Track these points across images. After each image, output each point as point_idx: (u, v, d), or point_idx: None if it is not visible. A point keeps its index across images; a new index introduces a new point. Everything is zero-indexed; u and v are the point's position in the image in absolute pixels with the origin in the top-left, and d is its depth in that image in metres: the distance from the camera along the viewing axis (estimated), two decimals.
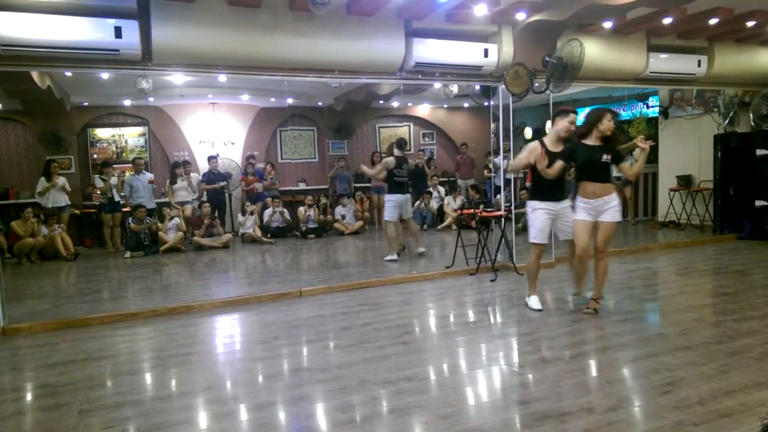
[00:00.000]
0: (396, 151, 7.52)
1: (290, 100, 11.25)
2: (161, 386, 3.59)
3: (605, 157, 4.52)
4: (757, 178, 8.30)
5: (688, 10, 6.40)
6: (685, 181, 9.67)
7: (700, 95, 9.50)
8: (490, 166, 10.41)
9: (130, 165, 9.95)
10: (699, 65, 7.69)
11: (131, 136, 11.44)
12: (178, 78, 7.88)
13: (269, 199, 10.82)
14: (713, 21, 6.57)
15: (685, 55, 7.65)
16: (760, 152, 8.25)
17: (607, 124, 4.54)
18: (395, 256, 7.53)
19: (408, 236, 7.95)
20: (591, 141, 4.59)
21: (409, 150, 13.56)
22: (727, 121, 8.96)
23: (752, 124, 8.51)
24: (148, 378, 3.76)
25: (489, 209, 7.23)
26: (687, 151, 9.73)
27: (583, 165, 4.60)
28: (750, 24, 6.82)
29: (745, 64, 8.10)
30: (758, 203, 8.30)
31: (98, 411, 3.16)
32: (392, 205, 7.47)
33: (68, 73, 7.32)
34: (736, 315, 4.55)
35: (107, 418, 3.06)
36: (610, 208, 4.55)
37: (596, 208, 4.57)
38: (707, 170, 9.14)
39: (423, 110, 13.60)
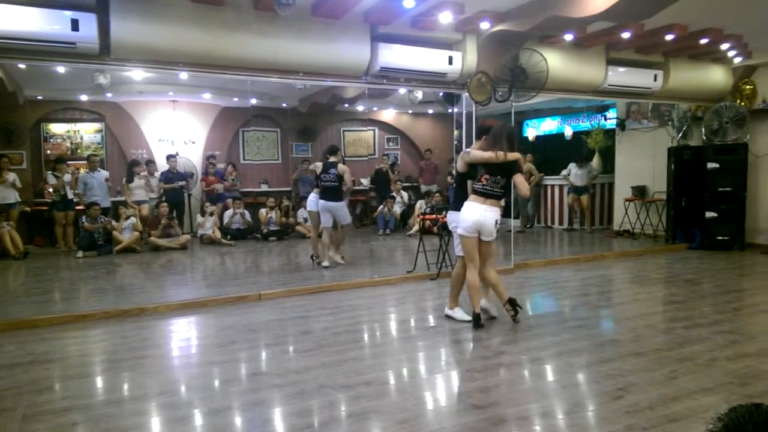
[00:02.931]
0: (331, 158, 7.27)
1: (254, 101, 11.09)
2: (112, 390, 3.47)
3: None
4: (708, 191, 8.62)
5: (646, 26, 6.62)
6: (640, 192, 9.98)
7: (655, 109, 9.83)
8: (453, 173, 10.50)
9: (85, 162, 9.64)
10: (655, 80, 7.97)
11: (87, 132, 11.09)
12: (137, 74, 7.67)
13: (230, 201, 10.65)
14: (669, 37, 6.81)
15: (642, 70, 7.91)
16: (710, 165, 8.57)
17: None
18: (327, 263, 7.25)
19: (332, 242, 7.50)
20: None
21: (374, 154, 13.62)
22: (680, 135, 9.29)
23: (704, 138, 8.85)
24: (98, 382, 3.63)
25: None
26: (642, 163, 10.05)
27: None
28: (703, 41, 7.10)
29: (698, 80, 8.43)
30: (708, 215, 8.62)
31: (44, 416, 3.03)
32: (321, 210, 7.26)
33: (22, 66, 7.05)
34: (686, 322, 4.71)
35: (53, 424, 2.94)
36: None
37: None
38: (661, 182, 9.45)
39: (388, 115, 13.64)
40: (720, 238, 8.61)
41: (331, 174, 7.16)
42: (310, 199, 7.56)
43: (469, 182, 4.71)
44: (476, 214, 4.46)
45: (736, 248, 8.55)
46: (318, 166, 7.35)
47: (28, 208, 9.58)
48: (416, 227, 10.69)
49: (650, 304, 5.65)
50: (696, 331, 4.42)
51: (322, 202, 7.21)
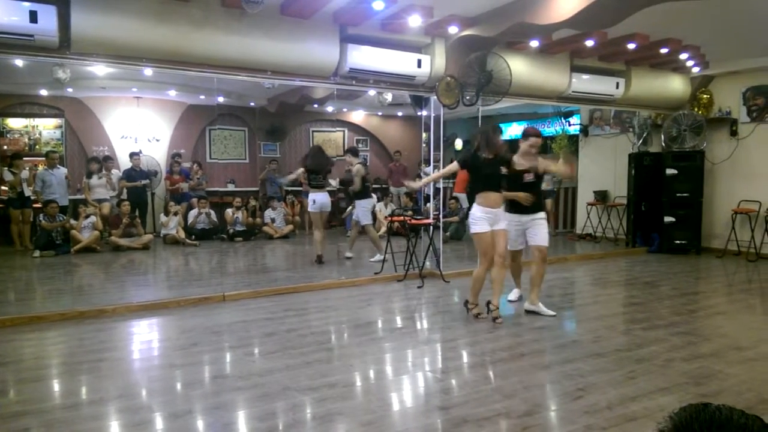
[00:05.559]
0: (356, 159, 7.92)
1: (221, 99, 10.91)
2: (67, 394, 3.37)
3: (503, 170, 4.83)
4: (666, 196, 8.88)
5: (609, 34, 6.78)
6: (602, 196, 10.23)
7: (617, 116, 10.08)
8: (422, 174, 10.54)
9: (44, 158, 9.33)
10: (617, 87, 8.16)
11: (46, 128, 10.72)
12: (99, 69, 7.47)
13: (195, 200, 10.47)
14: (631, 46, 6.99)
15: (604, 77, 8.09)
16: (669, 171, 8.83)
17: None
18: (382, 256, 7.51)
19: (345, 241, 8.25)
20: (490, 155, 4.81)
21: (343, 155, 13.54)
22: (640, 141, 9.54)
23: (663, 145, 9.11)
24: (53, 385, 3.52)
25: (418, 217, 7.33)
26: (604, 168, 10.29)
27: (486, 177, 4.82)
28: (663, 51, 7.32)
29: (659, 88, 8.68)
30: (667, 219, 8.88)
31: None
32: (367, 209, 7.90)
33: None
34: (644, 324, 4.84)
35: (4, 429, 2.83)
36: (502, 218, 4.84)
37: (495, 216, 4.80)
38: (622, 187, 9.69)
39: (357, 116, 13.62)
40: (678, 242, 8.87)
41: (369, 173, 8.12)
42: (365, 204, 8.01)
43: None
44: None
45: (693, 252, 8.82)
46: (362, 169, 7.83)
47: None
48: (383, 229, 10.70)
49: (611, 306, 5.79)
50: (654, 333, 4.55)
51: (371, 200, 8.07)
